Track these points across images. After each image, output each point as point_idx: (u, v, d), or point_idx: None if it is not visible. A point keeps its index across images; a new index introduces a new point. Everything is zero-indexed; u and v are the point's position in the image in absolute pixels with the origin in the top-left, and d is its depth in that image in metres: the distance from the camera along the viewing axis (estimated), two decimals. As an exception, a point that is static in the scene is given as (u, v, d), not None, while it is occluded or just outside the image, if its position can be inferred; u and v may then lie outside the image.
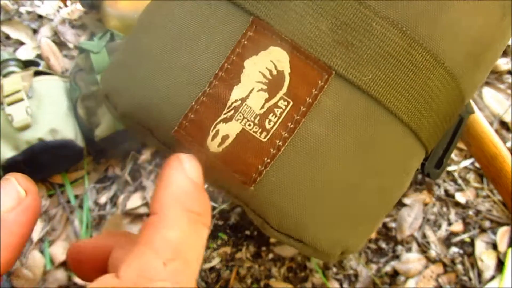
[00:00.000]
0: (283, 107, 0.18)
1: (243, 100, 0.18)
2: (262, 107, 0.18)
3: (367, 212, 0.20)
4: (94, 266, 0.19)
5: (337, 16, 0.18)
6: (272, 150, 0.18)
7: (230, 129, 0.18)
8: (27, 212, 0.17)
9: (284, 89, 0.18)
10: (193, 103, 0.19)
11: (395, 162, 0.20)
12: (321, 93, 0.18)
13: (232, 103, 0.18)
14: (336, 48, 0.18)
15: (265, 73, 0.18)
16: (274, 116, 0.18)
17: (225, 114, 0.18)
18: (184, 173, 0.17)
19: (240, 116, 0.18)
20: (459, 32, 0.19)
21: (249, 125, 0.18)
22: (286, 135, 0.18)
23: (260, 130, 0.18)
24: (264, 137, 0.18)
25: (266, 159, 0.18)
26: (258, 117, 0.18)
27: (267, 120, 0.18)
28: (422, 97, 0.19)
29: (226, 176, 0.19)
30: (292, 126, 0.18)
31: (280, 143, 0.18)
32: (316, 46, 0.18)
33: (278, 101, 0.18)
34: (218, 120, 0.18)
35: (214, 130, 0.18)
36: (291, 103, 0.18)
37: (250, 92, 0.18)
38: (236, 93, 0.18)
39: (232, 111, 0.18)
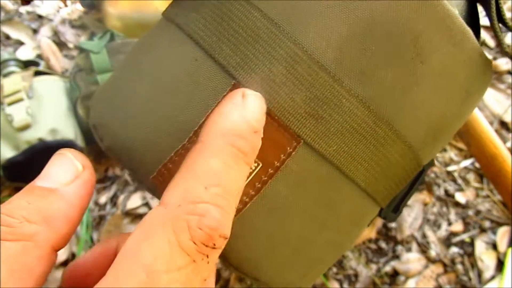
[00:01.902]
0: (253, 168, 0.19)
1: None
2: None
3: (317, 261, 0.23)
4: (97, 279, 0.20)
5: (312, 90, 0.19)
6: (238, 205, 0.20)
7: None
8: (86, 185, 0.17)
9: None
10: (172, 154, 0.20)
11: (349, 220, 0.22)
12: (289, 158, 0.20)
13: None
14: (307, 119, 0.20)
15: None
16: None
17: None
18: (242, 111, 0.17)
19: None
20: (422, 111, 0.21)
21: None
22: (252, 193, 0.20)
23: None
24: None
25: None
26: None
27: None
28: (380, 167, 0.21)
29: None
30: (259, 185, 0.20)
31: (247, 200, 0.20)
32: (289, 116, 0.19)
33: None
34: None
35: None
36: (261, 165, 0.20)
37: None
38: None
39: None
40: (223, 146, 0.16)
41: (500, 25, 0.23)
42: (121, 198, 0.67)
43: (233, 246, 0.20)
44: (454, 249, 0.63)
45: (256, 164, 0.19)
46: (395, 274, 0.61)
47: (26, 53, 0.83)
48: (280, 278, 0.22)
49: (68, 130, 0.64)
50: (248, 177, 0.19)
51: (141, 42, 0.24)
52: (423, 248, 0.63)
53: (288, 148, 0.20)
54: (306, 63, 0.19)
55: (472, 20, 0.23)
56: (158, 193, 0.21)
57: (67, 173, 0.17)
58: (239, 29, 0.20)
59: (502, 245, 0.63)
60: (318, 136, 0.20)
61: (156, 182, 0.20)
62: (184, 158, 0.18)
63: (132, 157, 0.21)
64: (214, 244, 0.15)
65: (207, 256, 0.15)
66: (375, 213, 0.23)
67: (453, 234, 0.65)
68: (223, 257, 0.21)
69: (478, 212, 0.67)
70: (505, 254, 0.62)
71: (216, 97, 0.20)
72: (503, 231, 0.64)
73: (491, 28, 0.23)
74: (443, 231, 0.65)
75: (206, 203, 0.15)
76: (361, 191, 0.21)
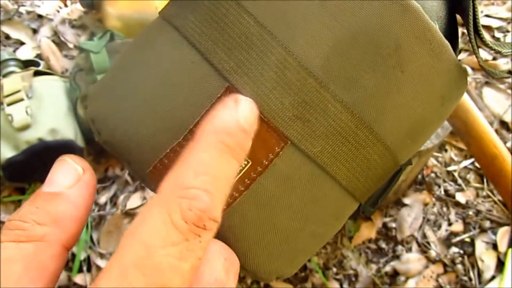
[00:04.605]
0: (243, 165, 0.21)
1: None
2: None
3: (301, 250, 0.25)
4: None
5: (300, 94, 0.21)
6: (228, 199, 0.21)
7: None
8: (88, 186, 0.18)
9: None
10: (168, 151, 0.21)
11: (330, 214, 0.24)
12: (277, 158, 0.22)
13: None
14: (295, 122, 0.21)
15: None
16: None
17: None
18: (233, 113, 0.19)
19: None
20: (401, 117, 0.23)
21: None
22: (242, 188, 0.21)
23: None
24: None
25: None
26: None
27: None
28: (360, 167, 0.23)
29: None
30: (248, 182, 0.21)
31: (236, 195, 0.21)
32: (278, 118, 0.21)
33: None
34: None
35: None
36: (250, 163, 0.21)
37: None
38: None
39: None
40: (213, 141, 0.18)
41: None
42: (121, 198, 0.67)
43: (224, 237, 0.22)
44: (454, 249, 0.63)
45: (246, 162, 0.21)
46: (395, 274, 0.61)
47: (26, 53, 0.83)
48: (266, 266, 0.23)
49: (68, 130, 0.64)
50: (238, 174, 0.21)
51: (138, 40, 0.25)
52: (423, 248, 0.63)
53: (276, 148, 0.21)
54: (295, 69, 0.21)
55: (451, 31, 0.25)
56: (153, 186, 0.22)
57: (69, 177, 0.18)
58: (234, 35, 0.22)
59: (502, 245, 0.63)
60: (304, 138, 0.22)
61: (151, 176, 0.22)
62: (179, 154, 0.19)
63: (129, 151, 0.22)
64: (205, 225, 0.16)
65: (199, 236, 0.16)
66: (354, 208, 0.25)
67: (453, 234, 0.65)
68: None
69: (478, 212, 0.67)
70: (505, 254, 0.62)
71: (210, 98, 0.21)
72: (503, 231, 0.64)
73: (469, 40, 0.24)
74: (443, 231, 0.65)
75: (196, 189, 0.17)
76: (342, 188, 0.23)
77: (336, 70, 0.22)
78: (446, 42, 0.23)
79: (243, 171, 0.21)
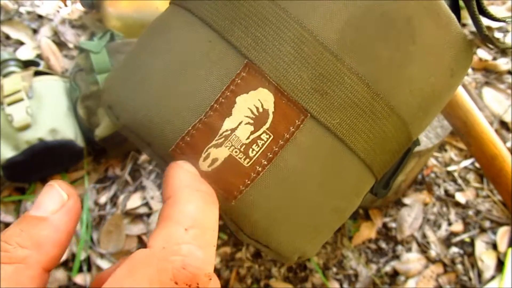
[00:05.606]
0: (265, 139, 0.22)
1: (233, 130, 0.21)
2: (248, 138, 0.22)
3: (323, 226, 0.25)
4: None
5: (317, 68, 0.22)
6: (252, 174, 0.22)
7: (219, 154, 0.21)
8: (71, 212, 0.19)
9: (267, 125, 0.22)
10: (190, 128, 0.22)
11: (350, 188, 0.24)
12: (297, 130, 0.22)
13: (223, 132, 0.21)
14: (313, 94, 0.22)
15: (253, 110, 0.22)
16: (256, 146, 0.22)
17: (216, 140, 0.21)
18: (185, 169, 0.21)
19: (229, 144, 0.21)
20: (413, 88, 0.24)
21: (236, 152, 0.21)
22: (265, 162, 0.22)
23: (244, 156, 0.21)
24: (247, 163, 0.22)
25: (247, 180, 0.22)
26: (244, 146, 0.22)
27: (250, 149, 0.22)
28: (377, 139, 0.23)
29: None
30: (271, 155, 0.22)
31: (260, 169, 0.22)
32: (297, 92, 0.22)
33: (261, 134, 0.22)
34: (210, 145, 0.21)
35: (206, 153, 0.22)
36: (272, 136, 0.22)
37: (239, 124, 0.21)
38: (227, 124, 0.21)
39: (222, 139, 0.21)
40: (191, 193, 0.19)
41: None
42: (121, 198, 0.67)
43: (247, 214, 0.22)
44: (454, 249, 0.63)
45: (268, 136, 0.22)
46: (395, 274, 0.61)
47: (26, 53, 0.83)
48: (289, 243, 0.23)
49: (68, 130, 0.64)
50: (261, 148, 0.22)
51: (152, 27, 0.25)
52: (423, 248, 0.63)
53: (297, 121, 0.22)
54: (312, 44, 0.22)
55: (454, 7, 0.26)
56: None
57: (54, 203, 0.19)
58: (249, 13, 0.22)
59: (502, 245, 0.63)
60: (323, 110, 0.22)
61: (174, 155, 0.22)
62: (201, 131, 0.21)
63: (150, 132, 0.23)
64: (198, 284, 0.16)
65: None
66: (371, 184, 0.26)
67: (453, 234, 0.65)
68: (237, 226, 0.23)
69: (478, 212, 0.67)
70: (505, 254, 0.62)
71: (230, 75, 0.22)
72: (503, 231, 0.64)
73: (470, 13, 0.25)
74: (443, 231, 0.65)
75: (189, 244, 0.17)
76: (360, 161, 0.24)
77: (351, 44, 0.22)
78: (452, 14, 0.23)
79: (265, 145, 0.22)
